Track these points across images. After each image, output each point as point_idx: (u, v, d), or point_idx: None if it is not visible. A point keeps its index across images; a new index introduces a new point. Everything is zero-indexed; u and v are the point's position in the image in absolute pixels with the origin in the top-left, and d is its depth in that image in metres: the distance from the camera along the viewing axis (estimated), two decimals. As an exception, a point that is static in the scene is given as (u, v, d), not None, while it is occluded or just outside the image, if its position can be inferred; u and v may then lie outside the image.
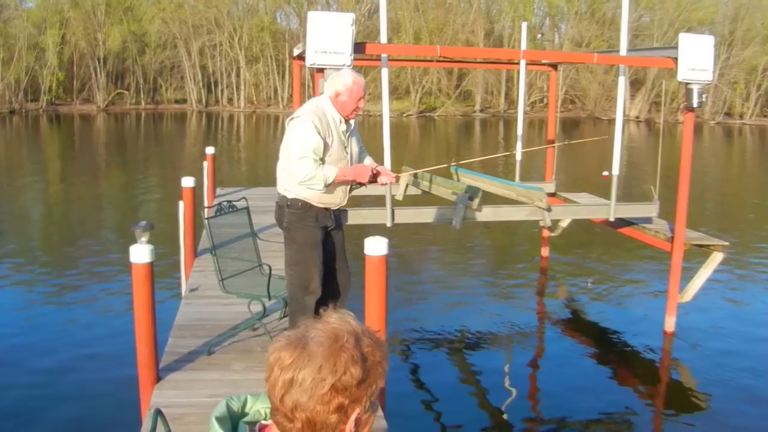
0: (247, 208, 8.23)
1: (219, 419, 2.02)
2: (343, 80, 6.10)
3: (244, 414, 2.10)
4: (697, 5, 72.38)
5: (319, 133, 5.92)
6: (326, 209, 6.28)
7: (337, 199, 6.30)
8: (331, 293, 6.50)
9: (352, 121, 6.25)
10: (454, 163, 11.29)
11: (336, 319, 1.92)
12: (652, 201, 10.86)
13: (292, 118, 6.12)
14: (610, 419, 8.60)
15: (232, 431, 2.02)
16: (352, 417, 1.89)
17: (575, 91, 74.01)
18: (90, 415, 8.05)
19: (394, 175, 6.50)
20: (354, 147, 6.34)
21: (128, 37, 71.18)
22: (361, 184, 6.32)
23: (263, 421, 2.04)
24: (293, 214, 6.22)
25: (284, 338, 1.91)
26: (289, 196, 6.20)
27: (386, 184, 6.54)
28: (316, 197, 6.16)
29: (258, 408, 2.08)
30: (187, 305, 8.54)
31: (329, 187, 6.06)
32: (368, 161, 6.55)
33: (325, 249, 6.38)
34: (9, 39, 67.15)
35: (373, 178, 6.24)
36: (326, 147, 6.00)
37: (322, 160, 5.98)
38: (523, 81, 13.43)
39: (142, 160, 34.44)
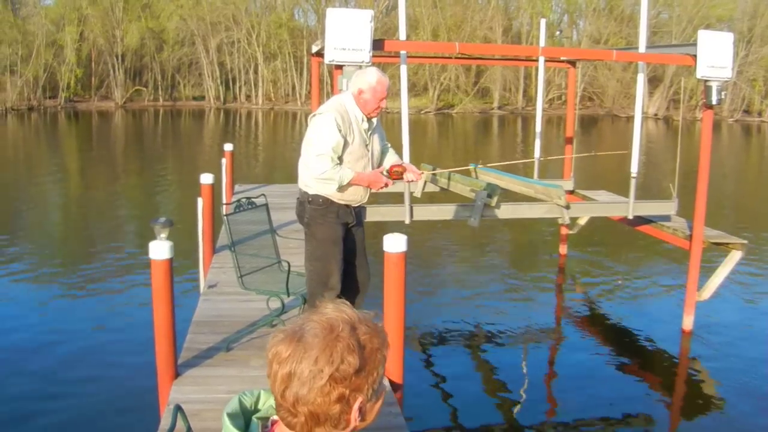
0: (266, 205, 8.25)
1: (231, 415, 2.03)
2: (367, 78, 6.11)
3: (256, 410, 2.10)
4: (715, 2, 72.06)
5: (340, 131, 5.94)
6: (347, 206, 6.30)
7: (359, 196, 6.31)
8: (350, 290, 6.52)
9: (374, 119, 6.27)
10: (481, 165, 11.31)
11: (332, 309, 1.93)
12: (670, 199, 10.84)
13: (314, 115, 6.13)
14: (627, 417, 8.58)
15: (244, 427, 2.03)
16: (355, 406, 1.89)
17: (593, 89, 73.86)
18: (108, 410, 8.08)
19: (420, 172, 6.51)
20: (376, 145, 6.35)
21: (146, 34, 71.51)
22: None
23: (275, 416, 2.04)
24: (314, 210, 6.24)
25: (281, 332, 1.92)
26: (311, 192, 6.21)
27: (412, 181, 6.55)
28: (337, 194, 6.19)
29: (271, 403, 2.08)
30: (205, 301, 8.56)
31: (347, 186, 6.11)
32: (390, 157, 6.55)
33: (345, 245, 6.40)
34: (27, 36, 67.53)
35: (398, 176, 6.24)
36: (346, 144, 6.03)
37: (341, 159, 6.01)
38: (541, 78, 13.41)
39: (160, 156, 34.54)
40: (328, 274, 6.32)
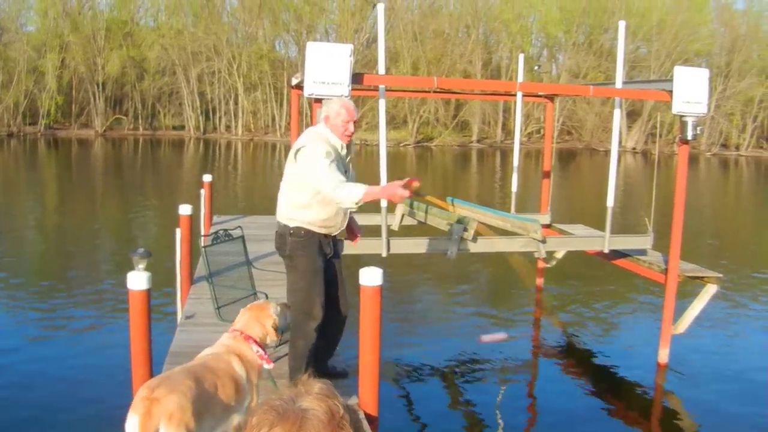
0: (242, 237, 8.29)
1: None
2: (332, 105, 6.39)
3: None
4: (693, 37, 72.94)
5: (331, 155, 6.14)
6: (326, 236, 6.42)
7: (339, 222, 6.53)
8: (331, 320, 6.64)
9: (349, 147, 6.42)
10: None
11: (322, 389, 1.80)
12: (646, 233, 10.92)
13: (299, 149, 6.26)
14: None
15: None
16: None
17: (572, 122, 74.30)
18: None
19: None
20: (352, 171, 6.51)
21: (127, 63, 71.52)
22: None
23: None
24: (296, 242, 6.40)
25: (273, 410, 1.74)
26: (292, 224, 6.40)
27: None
28: (318, 222, 6.37)
29: None
30: (182, 332, 8.55)
31: (331, 211, 6.34)
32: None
33: (324, 277, 6.49)
34: (9, 62, 67.67)
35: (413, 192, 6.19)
36: None
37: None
38: (519, 113, 13.50)
39: (139, 186, 34.45)
40: (311, 305, 6.42)
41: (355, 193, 5.95)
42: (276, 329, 5.26)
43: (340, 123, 6.33)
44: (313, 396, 1.77)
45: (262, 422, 1.71)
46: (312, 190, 6.26)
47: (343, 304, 6.82)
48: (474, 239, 10.06)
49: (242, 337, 5.01)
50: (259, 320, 5.16)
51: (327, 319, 6.60)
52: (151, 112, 75.08)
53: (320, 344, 6.66)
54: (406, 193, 6.01)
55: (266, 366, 5.00)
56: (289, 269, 6.57)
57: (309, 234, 6.39)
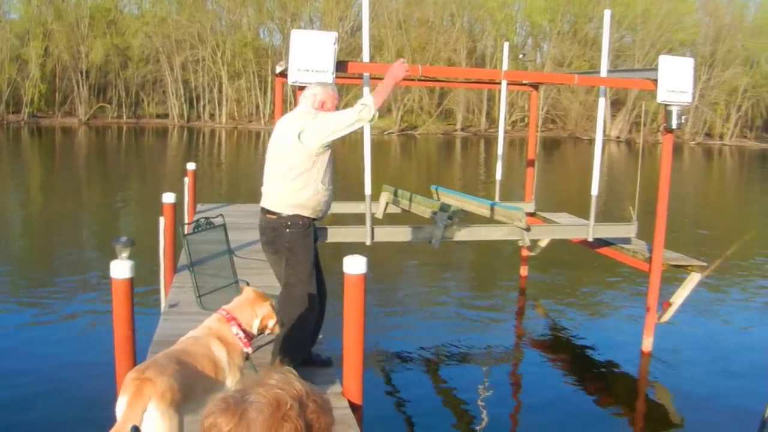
0: (223, 225, 8.24)
1: None
2: (325, 89, 6.41)
3: None
4: (678, 26, 73.10)
5: None
6: (314, 223, 6.44)
7: (329, 206, 6.53)
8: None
9: None
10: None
11: (278, 380, 1.77)
12: (630, 221, 10.92)
13: (303, 128, 6.14)
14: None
15: None
16: None
17: (556, 111, 74.40)
18: (65, 428, 8.01)
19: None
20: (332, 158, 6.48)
21: (111, 51, 71.07)
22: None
23: None
24: (295, 233, 6.31)
25: (222, 401, 1.75)
26: (289, 213, 6.27)
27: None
28: (317, 207, 6.35)
29: None
30: (165, 321, 8.51)
31: (327, 194, 6.39)
32: None
33: None
34: (-9, 50, 67.19)
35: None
36: (327, 149, 6.25)
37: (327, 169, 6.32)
38: (504, 101, 13.48)
39: (123, 174, 34.34)
40: (312, 296, 6.40)
41: (369, 102, 6.08)
42: (263, 327, 5.20)
43: (334, 105, 6.41)
44: (266, 387, 1.74)
45: (209, 414, 1.74)
46: (321, 163, 6.25)
47: (323, 290, 6.76)
48: (458, 227, 10.05)
49: (226, 318, 4.98)
50: (252, 306, 5.13)
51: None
52: (134, 100, 74.72)
53: None
54: (405, 66, 6.40)
55: (245, 349, 4.98)
56: (292, 262, 6.38)
57: (306, 223, 6.31)
